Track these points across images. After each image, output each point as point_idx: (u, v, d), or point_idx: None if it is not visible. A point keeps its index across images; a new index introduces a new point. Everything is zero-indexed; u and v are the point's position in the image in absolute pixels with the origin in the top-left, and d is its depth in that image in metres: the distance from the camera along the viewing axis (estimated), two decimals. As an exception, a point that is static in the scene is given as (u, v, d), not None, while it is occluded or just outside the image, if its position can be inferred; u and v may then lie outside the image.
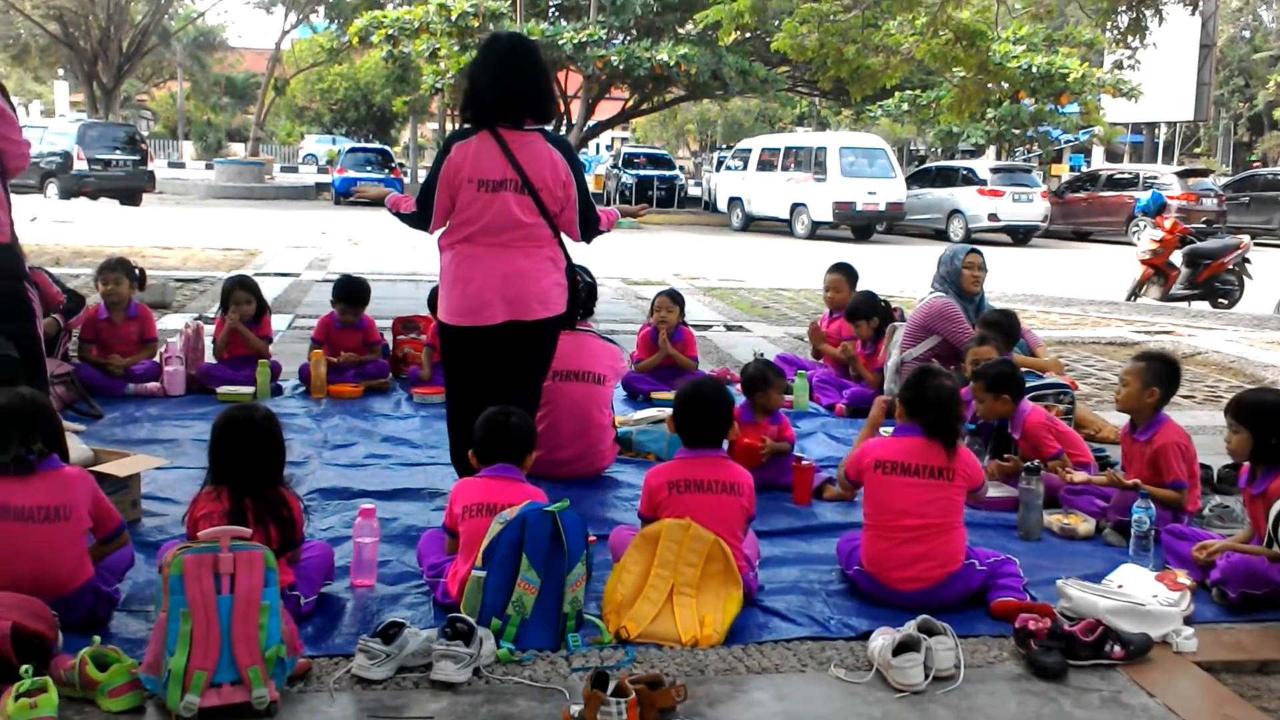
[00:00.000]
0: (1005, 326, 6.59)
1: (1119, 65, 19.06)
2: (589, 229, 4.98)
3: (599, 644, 3.69)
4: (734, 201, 29.59)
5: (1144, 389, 5.10)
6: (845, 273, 8.21)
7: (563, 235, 4.92)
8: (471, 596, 3.64)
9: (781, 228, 27.78)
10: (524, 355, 4.90)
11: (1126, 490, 4.96)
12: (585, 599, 3.78)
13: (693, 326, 8.34)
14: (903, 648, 3.53)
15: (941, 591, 4.09)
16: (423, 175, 27.59)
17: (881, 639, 3.62)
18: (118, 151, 28.85)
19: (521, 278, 4.76)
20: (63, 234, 18.20)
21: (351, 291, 7.73)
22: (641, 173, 35.68)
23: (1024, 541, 4.96)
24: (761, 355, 6.59)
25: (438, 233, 4.90)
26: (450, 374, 5.01)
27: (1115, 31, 14.74)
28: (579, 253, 5.18)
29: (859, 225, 26.91)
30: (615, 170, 36.42)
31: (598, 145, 58.58)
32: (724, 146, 47.90)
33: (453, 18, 27.67)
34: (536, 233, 4.78)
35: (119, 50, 42.81)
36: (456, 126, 4.97)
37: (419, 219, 4.88)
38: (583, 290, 5.40)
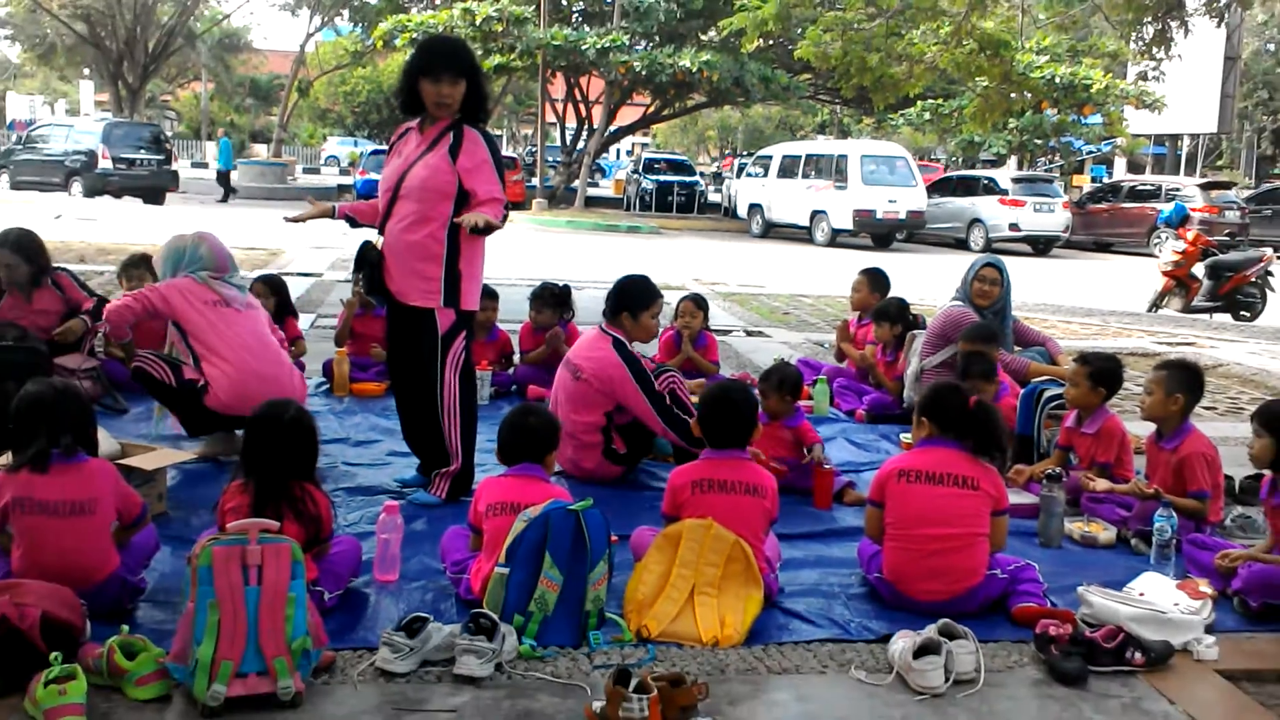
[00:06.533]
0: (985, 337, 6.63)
1: (1143, 77, 19.07)
2: None
3: (620, 642, 3.71)
4: (754, 208, 29.49)
5: (1168, 396, 5.10)
6: (871, 276, 8.26)
7: None
8: (494, 593, 3.67)
9: (801, 235, 27.68)
10: None
11: (1148, 499, 4.95)
12: (607, 597, 3.80)
13: (714, 331, 8.35)
14: (923, 651, 3.54)
15: (963, 603, 4.06)
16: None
17: (902, 642, 3.61)
18: (142, 151, 29.01)
19: None
20: (87, 231, 18.29)
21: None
22: (661, 178, 36.07)
23: (1045, 549, 4.94)
24: (782, 359, 6.64)
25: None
26: (465, 362, 5.10)
27: (1140, 43, 14.68)
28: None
29: (879, 233, 26.81)
30: (635, 175, 36.95)
31: (618, 150, 58.75)
32: (745, 153, 48.09)
33: (477, 22, 27.83)
34: None
35: (145, 51, 43.20)
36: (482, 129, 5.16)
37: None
38: None
